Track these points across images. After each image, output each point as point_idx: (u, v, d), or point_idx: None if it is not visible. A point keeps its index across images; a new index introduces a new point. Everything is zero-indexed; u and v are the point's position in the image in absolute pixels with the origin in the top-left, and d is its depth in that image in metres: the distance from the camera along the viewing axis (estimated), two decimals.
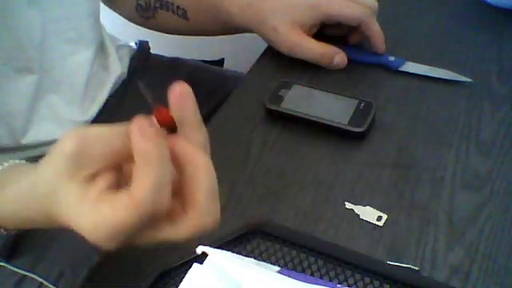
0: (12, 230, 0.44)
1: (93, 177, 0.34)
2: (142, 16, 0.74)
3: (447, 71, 0.64)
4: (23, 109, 0.58)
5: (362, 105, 0.58)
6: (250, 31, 0.68)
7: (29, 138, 0.60)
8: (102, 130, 0.34)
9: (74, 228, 0.35)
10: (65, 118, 0.63)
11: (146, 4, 0.72)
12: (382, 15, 0.67)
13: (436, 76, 0.64)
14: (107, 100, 0.71)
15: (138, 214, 0.32)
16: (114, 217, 0.33)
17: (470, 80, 0.63)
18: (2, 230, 0.44)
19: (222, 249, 0.37)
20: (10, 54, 0.55)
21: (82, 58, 0.64)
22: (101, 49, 0.71)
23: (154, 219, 0.34)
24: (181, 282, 0.35)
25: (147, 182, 0.32)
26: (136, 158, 0.33)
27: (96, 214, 0.33)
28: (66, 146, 0.34)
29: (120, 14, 0.78)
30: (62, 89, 0.62)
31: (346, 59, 0.65)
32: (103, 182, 0.34)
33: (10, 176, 0.43)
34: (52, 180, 0.35)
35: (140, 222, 0.33)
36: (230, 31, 0.71)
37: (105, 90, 0.71)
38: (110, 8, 0.77)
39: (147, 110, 0.83)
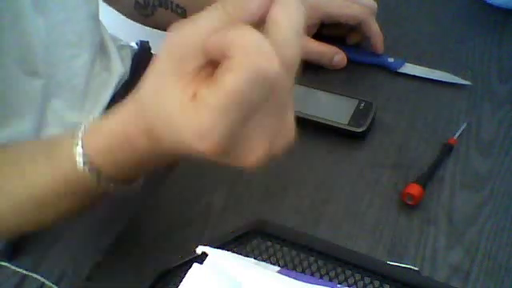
0: (115, 184, 0.41)
1: (198, 71, 0.32)
2: (141, 14, 0.74)
3: (446, 73, 0.64)
4: (32, 112, 0.58)
5: (362, 105, 0.58)
6: None
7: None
8: (198, 23, 0.33)
9: (178, 145, 0.33)
10: (69, 122, 0.63)
11: (144, 2, 0.72)
12: (382, 16, 0.67)
13: (435, 78, 0.64)
14: (110, 100, 0.71)
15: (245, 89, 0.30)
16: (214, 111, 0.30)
17: (469, 83, 0.63)
18: (105, 185, 0.40)
19: (222, 249, 0.37)
20: (21, 56, 0.55)
21: (82, 60, 0.64)
22: (101, 50, 0.71)
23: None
24: (181, 282, 0.35)
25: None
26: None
27: (204, 107, 0.31)
28: (167, 47, 0.33)
29: (119, 11, 0.78)
30: (65, 92, 0.62)
31: (345, 59, 0.65)
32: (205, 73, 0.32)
33: (98, 121, 0.41)
34: (157, 86, 0.33)
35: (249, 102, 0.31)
36: None
37: (107, 90, 0.71)
38: (109, 5, 0.77)
39: None
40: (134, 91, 0.36)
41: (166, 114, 0.33)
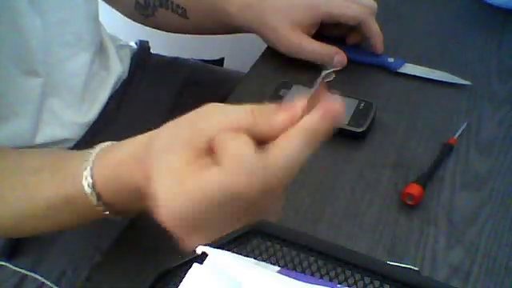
0: (111, 211, 0.43)
1: (206, 151, 0.35)
2: (142, 14, 0.74)
3: (446, 74, 0.64)
4: (30, 111, 0.58)
5: (362, 105, 0.58)
6: (250, 31, 0.68)
7: (38, 140, 0.60)
8: (228, 114, 0.36)
9: (153, 196, 0.35)
10: (66, 122, 0.63)
11: (145, 2, 0.72)
12: (382, 16, 0.67)
13: (435, 78, 0.64)
14: (108, 100, 0.71)
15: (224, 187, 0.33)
16: (198, 187, 0.33)
17: (469, 83, 0.63)
18: (103, 210, 0.42)
19: (222, 249, 0.37)
20: (19, 56, 0.55)
21: (80, 61, 0.64)
22: (100, 50, 0.71)
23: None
24: (181, 282, 0.35)
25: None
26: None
27: (179, 186, 0.34)
28: (199, 116, 0.36)
29: (119, 12, 0.78)
30: (62, 92, 0.62)
31: (345, 59, 0.65)
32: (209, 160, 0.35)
33: (110, 147, 0.43)
34: (166, 144, 0.36)
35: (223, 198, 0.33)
36: (231, 31, 0.72)
37: (106, 90, 0.71)
38: (109, 5, 0.77)
39: (148, 110, 0.83)
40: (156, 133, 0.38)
41: (158, 174, 0.36)
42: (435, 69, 0.65)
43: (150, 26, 0.77)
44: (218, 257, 0.35)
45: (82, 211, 0.43)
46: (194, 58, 0.90)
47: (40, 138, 0.60)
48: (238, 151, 0.34)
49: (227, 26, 0.69)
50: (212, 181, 0.33)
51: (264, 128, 0.35)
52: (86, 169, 0.41)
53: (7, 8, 0.52)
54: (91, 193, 0.41)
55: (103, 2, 0.75)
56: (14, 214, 0.45)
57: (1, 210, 0.45)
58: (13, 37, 0.54)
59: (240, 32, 0.71)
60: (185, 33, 0.77)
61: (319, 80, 0.42)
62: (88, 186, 0.41)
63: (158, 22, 0.75)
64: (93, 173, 0.41)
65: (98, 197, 0.41)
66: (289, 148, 0.35)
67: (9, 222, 0.46)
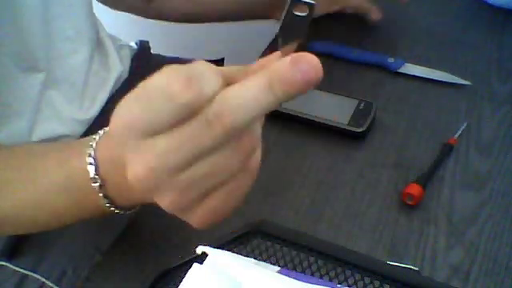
0: (108, 196, 0.41)
1: None
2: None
3: (446, 74, 0.64)
4: (29, 109, 0.59)
5: (362, 105, 0.58)
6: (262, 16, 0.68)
7: (34, 137, 0.60)
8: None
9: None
10: (66, 117, 0.63)
11: None
12: (382, 15, 0.67)
13: (435, 78, 0.64)
14: (108, 99, 0.71)
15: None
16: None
17: (469, 83, 0.63)
18: (99, 190, 0.40)
19: (222, 249, 0.37)
20: (19, 54, 0.55)
21: (80, 56, 0.64)
22: (99, 47, 0.71)
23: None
24: (181, 282, 0.35)
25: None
26: None
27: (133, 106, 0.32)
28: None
29: (122, 9, 0.78)
30: (63, 87, 0.63)
31: (380, 15, 0.71)
32: None
33: None
34: None
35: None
36: (242, 12, 0.71)
37: (106, 89, 0.71)
38: (106, 5, 0.77)
39: None
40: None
41: None
42: (435, 69, 0.65)
43: (152, 17, 0.76)
44: (218, 257, 0.35)
45: (82, 193, 0.42)
46: (195, 58, 0.90)
47: (38, 134, 0.60)
48: (197, 66, 0.32)
49: (238, 7, 0.69)
50: (154, 78, 0.32)
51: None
52: (93, 140, 0.40)
53: (9, 7, 0.52)
54: (90, 163, 0.39)
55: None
56: (16, 202, 0.45)
57: (5, 198, 0.45)
58: (13, 35, 0.54)
59: (252, 16, 0.70)
60: (188, 20, 0.75)
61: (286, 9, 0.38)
62: (89, 155, 0.39)
63: (160, 8, 0.73)
64: (96, 145, 0.40)
65: (96, 169, 0.39)
66: (245, 86, 0.32)
67: (9, 215, 0.46)
